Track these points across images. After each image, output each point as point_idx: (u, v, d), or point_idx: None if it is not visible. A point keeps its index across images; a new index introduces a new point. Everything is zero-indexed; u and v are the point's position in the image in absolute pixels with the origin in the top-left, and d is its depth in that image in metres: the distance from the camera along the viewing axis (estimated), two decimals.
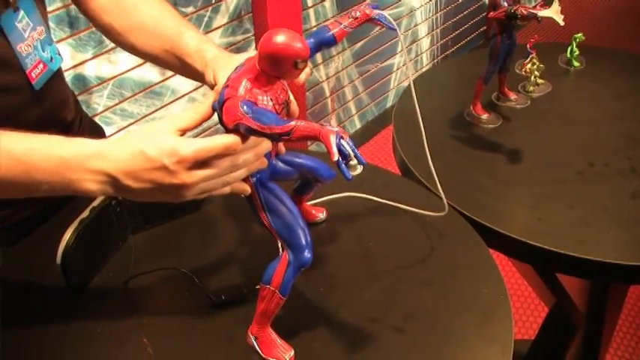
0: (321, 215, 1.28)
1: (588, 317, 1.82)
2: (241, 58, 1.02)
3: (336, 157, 0.76)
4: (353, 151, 0.77)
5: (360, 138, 3.62)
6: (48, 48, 1.20)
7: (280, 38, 0.84)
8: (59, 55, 1.24)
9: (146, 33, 1.23)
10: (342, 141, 0.77)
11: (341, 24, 0.94)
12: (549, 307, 1.89)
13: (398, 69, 3.78)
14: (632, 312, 2.64)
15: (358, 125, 3.68)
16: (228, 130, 0.89)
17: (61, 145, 0.91)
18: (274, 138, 0.83)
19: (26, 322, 1.08)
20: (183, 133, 0.91)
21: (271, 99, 0.89)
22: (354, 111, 3.61)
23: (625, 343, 2.51)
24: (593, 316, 1.82)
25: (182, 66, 1.19)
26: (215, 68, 1.09)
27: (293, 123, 0.80)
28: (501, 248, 1.33)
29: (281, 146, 1.03)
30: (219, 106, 0.88)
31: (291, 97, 0.99)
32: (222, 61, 1.10)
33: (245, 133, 0.87)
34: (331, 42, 0.94)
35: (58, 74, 1.26)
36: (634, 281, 1.60)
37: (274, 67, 0.86)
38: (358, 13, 0.94)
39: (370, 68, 3.58)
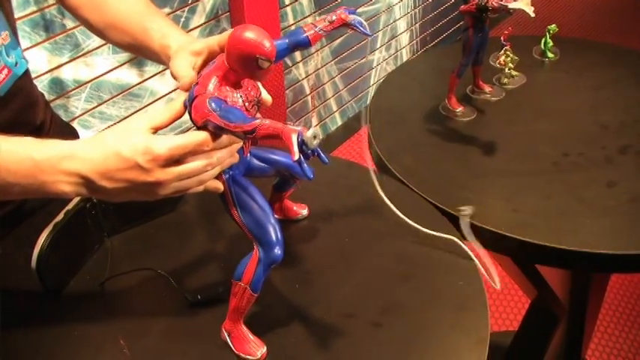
0: (304, 212, 1.28)
1: (570, 307, 1.83)
2: (204, 40, 1.04)
3: (296, 156, 0.76)
4: (315, 150, 0.77)
5: (342, 135, 3.62)
6: (13, 53, 1.19)
7: (243, 33, 0.84)
8: (24, 59, 1.23)
9: (117, 30, 1.22)
10: (305, 140, 0.77)
11: (316, 27, 0.94)
12: (531, 298, 1.90)
13: (378, 65, 3.79)
14: (615, 301, 2.65)
15: (339, 122, 3.68)
16: (198, 128, 0.89)
17: (34, 147, 0.90)
18: (240, 136, 0.83)
19: (2, 326, 1.07)
20: (156, 131, 0.91)
21: (241, 96, 0.90)
22: (334, 108, 3.61)
23: (609, 332, 2.52)
24: (575, 307, 1.83)
25: (157, 61, 1.18)
26: (172, 56, 1.07)
27: (257, 121, 0.80)
28: (478, 241, 1.33)
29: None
30: (188, 104, 0.89)
31: (263, 92, 0.99)
32: (181, 47, 1.07)
33: (213, 131, 0.87)
34: (305, 44, 0.95)
35: (25, 77, 1.25)
36: (611, 270, 1.62)
37: (238, 64, 0.86)
38: (334, 17, 0.95)
39: (350, 65, 3.59)
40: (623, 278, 2.74)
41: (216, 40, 1.02)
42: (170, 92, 2.65)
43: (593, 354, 2.43)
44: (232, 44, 0.84)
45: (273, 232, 0.91)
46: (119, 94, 2.47)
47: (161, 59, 1.15)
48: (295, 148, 0.76)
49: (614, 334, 2.52)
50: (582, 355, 2.07)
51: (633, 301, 2.65)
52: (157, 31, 1.16)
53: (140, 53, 1.22)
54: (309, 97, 3.40)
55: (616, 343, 2.48)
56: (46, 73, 2.19)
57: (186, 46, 1.05)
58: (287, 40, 0.94)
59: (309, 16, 3.17)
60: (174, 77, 1.03)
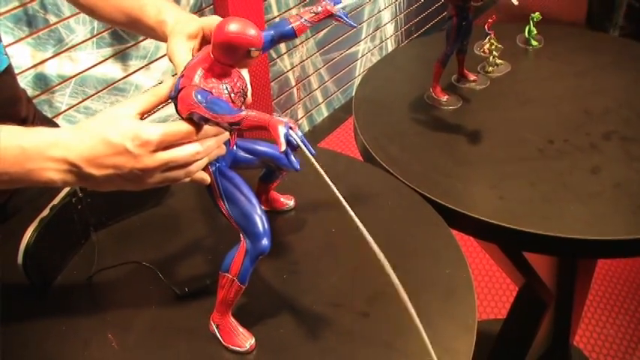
0: (290, 203, 1.28)
1: (558, 294, 1.84)
2: (197, 20, 1.03)
3: (283, 147, 0.76)
4: (302, 141, 0.78)
5: (328, 126, 3.62)
6: None
7: (233, 26, 0.84)
8: (6, 55, 1.22)
9: (110, 7, 1.20)
10: (291, 132, 0.77)
11: (302, 18, 0.94)
12: (519, 286, 1.91)
13: (363, 56, 3.78)
14: (602, 287, 2.66)
15: (325, 113, 3.68)
16: (183, 119, 0.89)
17: (21, 134, 0.89)
18: (226, 127, 0.83)
19: None
20: (142, 116, 0.91)
21: (227, 87, 0.89)
22: (320, 99, 3.61)
23: (596, 318, 2.54)
24: (563, 293, 1.84)
25: (152, 37, 1.17)
26: (169, 40, 1.06)
27: (244, 113, 0.80)
28: (465, 229, 1.34)
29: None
30: (174, 95, 0.88)
31: (248, 86, 0.99)
32: (178, 27, 1.07)
33: (199, 122, 0.87)
34: (291, 35, 0.95)
35: (8, 72, 1.24)
36: (597, 255, 1.63)
37: (227, 56, 0.86)
38: (319, 9, 0.95)
39: (335, 56, 3.58)
40: (610, 263, 2.76)
41: (205, 23, 1.03)
42: (155, 86, 2.63)
43: (581, 340, 2.44)
44: (220, 37, 0.84)
45: (260, 224, 0.92)
46: (104, 89, 2.46)
47: (157, 35, 1.14)
48: (282, 140, 0.76)
49: (602, 320, 2.53)
50: (570, 341, 2.09)
51: (620, 286, 2.67)
52: (152, 7, 1.14)
53: (134, 29, 1.20)
54: (294, 89, 3.39)
55: (603, 329, 2.50)
56: (30, 68, 2.18)
57: (182, 29, 1.04)
58: (272, 32, 0.94)
59: (293, 7, 3.16)
60: (172, 62, 1.03)
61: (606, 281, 2.69)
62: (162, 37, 1.12)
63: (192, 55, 1.01)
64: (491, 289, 2.66)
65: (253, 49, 0.84)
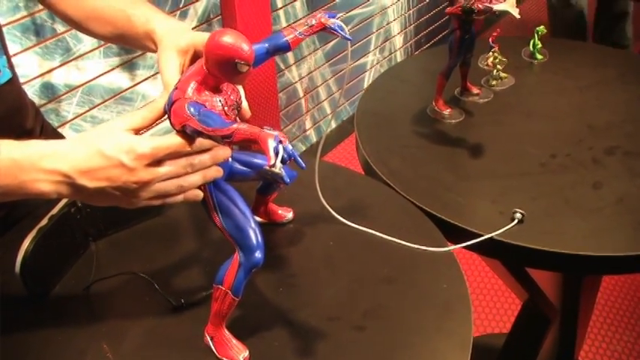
0: (289, 215, 1.28)
1: (562, 309, 1.82)
2: (189, 34, 1.04)
3: (272, 161, 0.76)
4: (292, 155, 0.78)
5: (336, 137, 3.62)
6: None
7: (223, 38, 0.83)
8: (8, 68, 1.22)
9: (98, 21, 1.21)
10: (281, 145, 0.77)
11: (296, 31, 0.94)
12: (522, 300, 1.90)
13: (372, 67, 3.79)
14: (608, 302, 2.65)
15: (333, 125, 3.67)
16: (177, 132, 0.89)
17: (14, 147, 0.89)
18: (218, 140, 0.83)
19: None
20: (137, 132, 0.91)
21: (220, 100, 0.89)
22: (328, 111, 3.61)
23: (602, 334, 2.52)
24: (567, 308, 1.83)
25: (142, 47, 1.17)
26: (159, 53, 1.07)
27: (235, 126, 0.80)
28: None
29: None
30: (168, 108, 0.89)
31: (244, 100, 0.99)
32: (166, 40, 1.07)
33: (192, 135, 0.87)
34: (285, 48, 0.95)
35: (12, 84, 1.24)
36: (600, 272, 1.62)
37: (217, 69, 0.86)
38: (314, 21, 0.95)
39: (343, 67, 3.58)
40: (616, 279, 2.74)
41: (196, 40, 1.03)
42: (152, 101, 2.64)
43: (586, 355, 2.43)
44: (210, 49, 0.84)
45: (254, 236, 0.91)
46: (111, 98, 2.47)
47: (146, 45, 1.14)
48: (271, 153, 0.76)
49: (607, 336, 2.52)
50: (575, 357, 2.07)
51: (627, 302, 2.65)
52: (139, 17, 1.14)
53: (124, 42, 1.21)
54: (302, 100, 3.39)
55: (609, 344, 2.48)
56: (37, 77, 2.19)
57: (173, 42, 1.04)
58: (266, 45, 0.94)
59: (302, 19, 3.17)
60: (161, 78, 1.03)
61: (613, 296, 2.67)
62: (151, 48, 1.12)
63: (182, 72, 1.01)
64: (496, 303, 2.65)
65: (242, 62, 0.83)
